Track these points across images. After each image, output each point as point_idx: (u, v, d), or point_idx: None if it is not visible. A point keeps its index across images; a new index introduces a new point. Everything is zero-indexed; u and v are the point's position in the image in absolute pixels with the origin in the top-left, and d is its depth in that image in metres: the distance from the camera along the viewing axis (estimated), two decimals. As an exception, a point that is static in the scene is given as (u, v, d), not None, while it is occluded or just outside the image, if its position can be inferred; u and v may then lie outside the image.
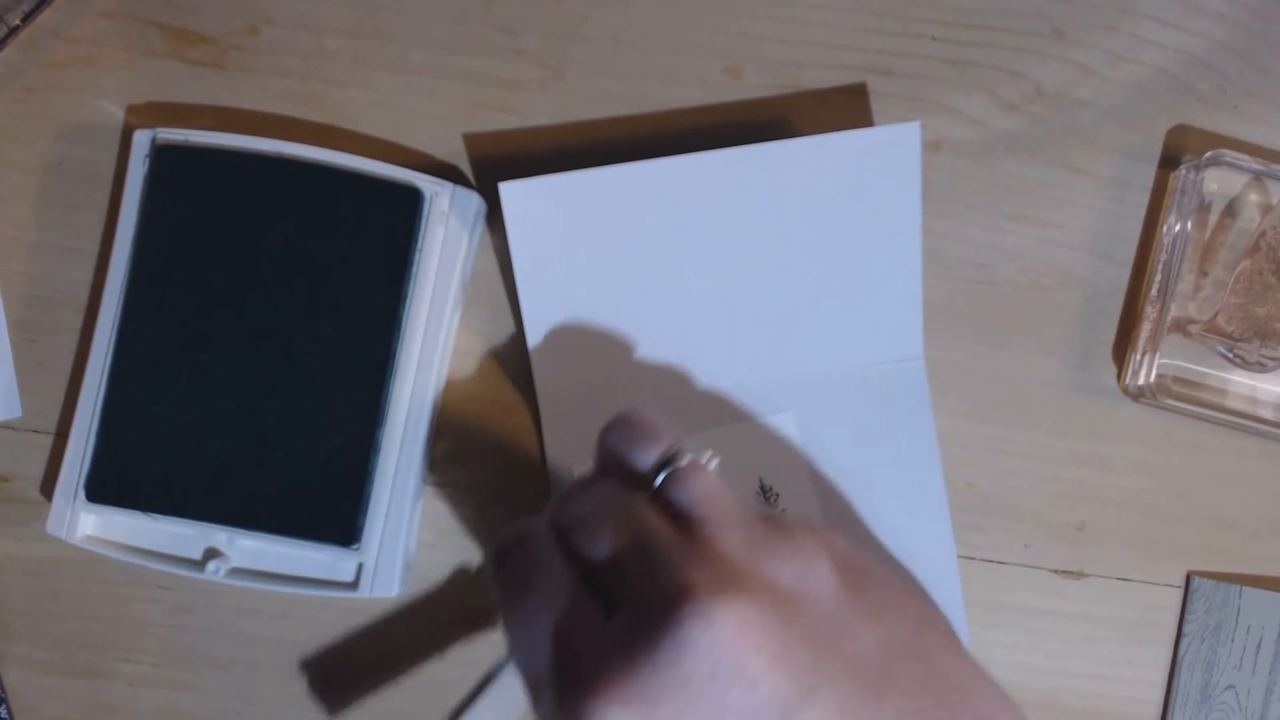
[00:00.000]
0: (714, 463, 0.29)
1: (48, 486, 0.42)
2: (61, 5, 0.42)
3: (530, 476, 0.42)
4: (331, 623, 0.42)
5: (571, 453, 0.41)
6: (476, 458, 0.42)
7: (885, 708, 0.24)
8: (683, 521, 0.27)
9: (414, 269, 0.39)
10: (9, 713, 0.42)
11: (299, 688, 0.42)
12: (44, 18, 0.42)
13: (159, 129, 0.40)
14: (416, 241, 0.39)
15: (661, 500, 0.28)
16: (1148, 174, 0.42)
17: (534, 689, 0.26)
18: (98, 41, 0.42)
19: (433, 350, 0.40)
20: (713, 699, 0.23)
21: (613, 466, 0.30)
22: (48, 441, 0.42)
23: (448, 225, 0.40)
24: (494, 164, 0.42)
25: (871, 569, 0.27)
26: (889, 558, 0.41)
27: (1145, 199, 0.42)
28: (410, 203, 0.39)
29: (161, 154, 0.39)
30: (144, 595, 0.42)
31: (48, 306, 0.42)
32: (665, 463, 0.28)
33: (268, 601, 0.42)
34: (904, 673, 0.25)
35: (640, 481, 0.29)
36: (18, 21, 0.41)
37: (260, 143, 0.39)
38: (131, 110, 0.42)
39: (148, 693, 0.42)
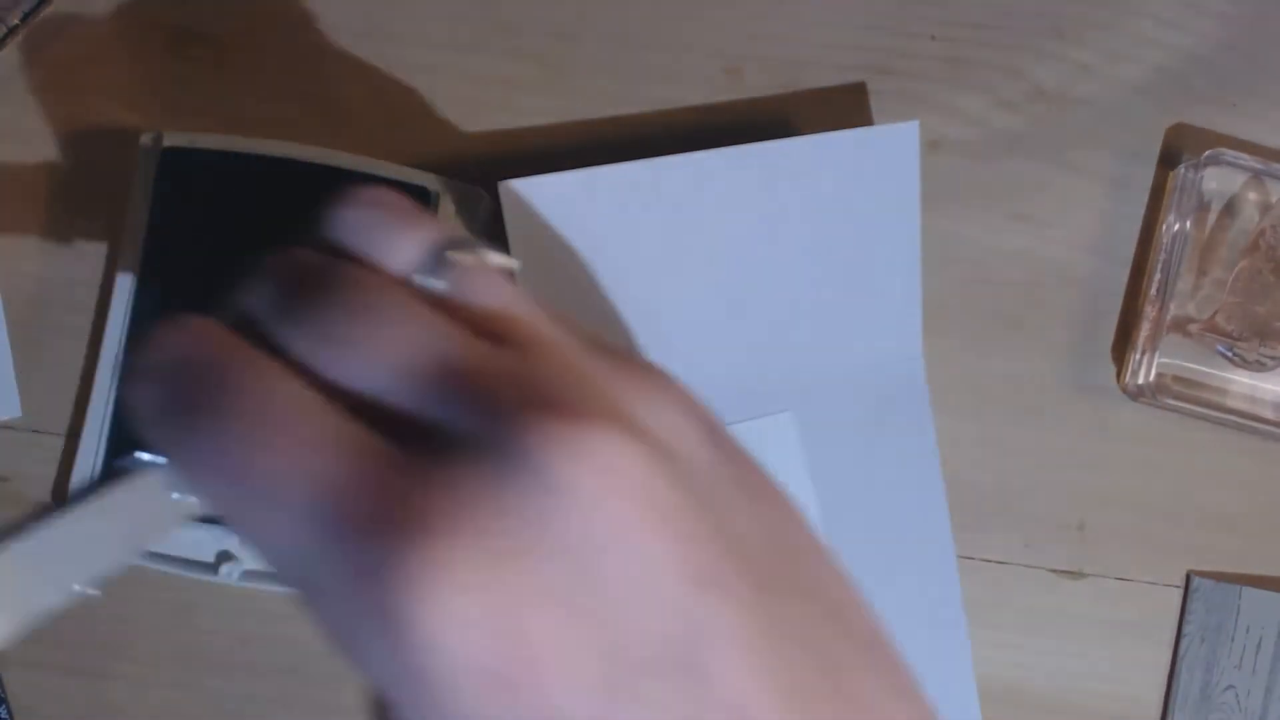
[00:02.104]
0: (504, 263, 0.21)
1: (59, 490, 0.42)
2: (62, 5, 0.42)
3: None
4: (331, 622, 0.42)
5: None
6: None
7: (787, 619, 0.18)
8: (489, 340, 0.18)
9: None
10: (9, 713, 0.42)
11: (299, 688, 0.42)
12: (44, 18, 0.42)
13: (165, 131, 0.40)
14: None
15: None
16: (1147, 173, 0.42)
17: (297, 585, 0.17)
18: (98, 41, 0.42)
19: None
20: (588, 564, 0.16)
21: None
22: (48, 441, 0.42)
23: (455, 225, 0.40)
24: (494, 163, 0.42)
25: (736, 442, 0.20)
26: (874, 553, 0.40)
27: (1144, 198, 0.42)
28: (418, 202, 0.39)
29: (169, 156, 0.39)
30: (144, 595, 0.42)
31: (47, 306, 0.42)
32: (436, 261, 0.19)
33: (268, 601, 0.42)
34: (788, 570, 0.19)
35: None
36: (17, 21, 0.41)
37: (267, 145, 0.39)
38: (132, 110, 0.42)
39: (148, 693, 0.42)
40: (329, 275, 0.19)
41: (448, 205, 0.39)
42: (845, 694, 0.19)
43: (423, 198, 0.39)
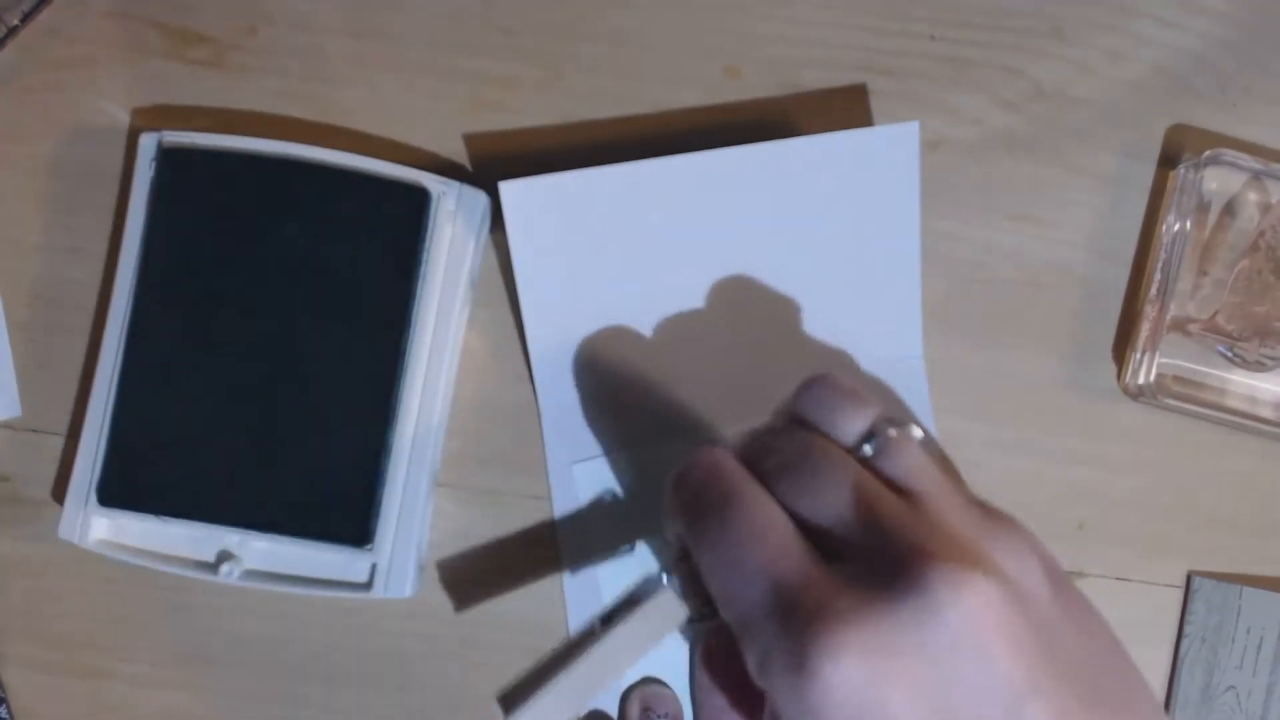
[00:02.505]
0: (920, 435, 0.28)
1: (59, 490, 0.42)
2: (61, 5, 0.42)
3: (536, 476, 0.42)
4: (332, 623, 0.42)
5: (572, 452, 0.41)
6: (486, 457, 0.42)
7: (1093, 718, 0.24)
8: (899, 494, 0.26)
9: (422, 269, 0.39)
10: (9, 713, 0.42)
11: (299, 688, 0.42)
12: (44, 18, 0.42)
13: (164, 131, 0.40)
14: (424, 241, 0.39)
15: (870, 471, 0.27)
16: (1147, 173, 0.42)
17: (742, 625, 0.25)
18: (98, 41, 0.42)
19: (442, 350, 0.40)
20: (948, 668, 0.22)
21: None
22: (47, 441, 0.42)
23: (455, 225, 0.40)
24: (494, 163, 0.42)
25: (1070, 581, 0.27)
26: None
27: (1144, 198, 0.42)
28: (418, 202, 0.39)
29: (168, 156, 0.39)
30: (144, 595, 0.42)
31: (47, 307, 0.42)
32: (872, 433, 0.27)
33: (267, 601, 0.42)
34: (1107, 689, 0.25)
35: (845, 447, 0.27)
36: (17, 21, 0.41)
37: (267, 144, 0.39)
38: (131, 110, 0.42)
39: (148, 693, 0.42)
40: (802, 442, 0.27)
41: (448, 205, 0.39)
42: None
43: (423, 198, 0.39)
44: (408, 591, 0.39)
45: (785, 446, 0.27)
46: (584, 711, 0.29)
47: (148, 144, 0.40)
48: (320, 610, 0.42)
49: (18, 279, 0.42)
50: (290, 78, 0.42)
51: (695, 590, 0.29)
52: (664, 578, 0.29)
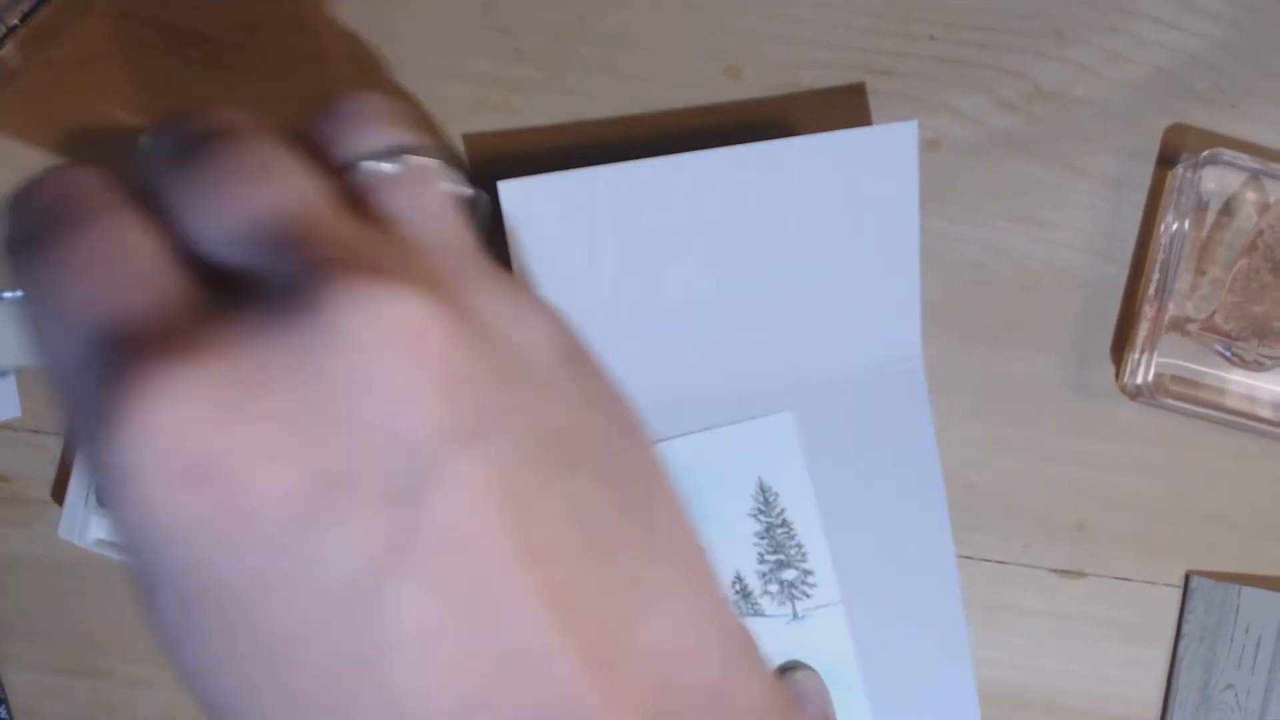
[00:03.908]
0: (467, 192, 0.22)
1: (59, 490, 0.42)
2: (61, 5, 0.42)
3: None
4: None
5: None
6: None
7: (560, 487, 0.19)
8: (378, 224, 0.19)
9: None
10: (9, 713, 0.42)
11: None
12: (44, 18, 0.42)
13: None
14: None
15: (358, 200, 0.20)
16: (1146, 173, 0.42)
17: (62, 392, 0.18)
18: (98, 41, 0.42)
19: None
20: (345, 403, 0.17)
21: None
22: (47, 441, 0.42)
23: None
24: (494, 164, 0.42)
25: (600, 365, 0.22)
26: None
27: (1143, 198, 0.42)
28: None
29: None
30: (143, 595, 0.42)
31: (47, 306, 0.42)
32: (381, 156, 0.20)
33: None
34: (599, 464, 0.20)
35: (333, 169, 0.20)
36: (17, 21, 0.41)
37: None
38: (132, 110, 0.42)
39: (148, 693, 0.42)
40: (239, 146, 0.19)
41: (448, 205, 0.39)
42: (604, 565, 0.19)
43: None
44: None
45: (215, 153, 0.20)
46: None
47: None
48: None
49: (17, 279, 0.42)
50: (290, 78, 0.42)
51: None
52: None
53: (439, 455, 0.17)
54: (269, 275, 0.17)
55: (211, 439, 0.16)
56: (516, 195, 0.39)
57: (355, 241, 0.18)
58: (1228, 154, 0.40)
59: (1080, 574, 0.42)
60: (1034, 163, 0.42)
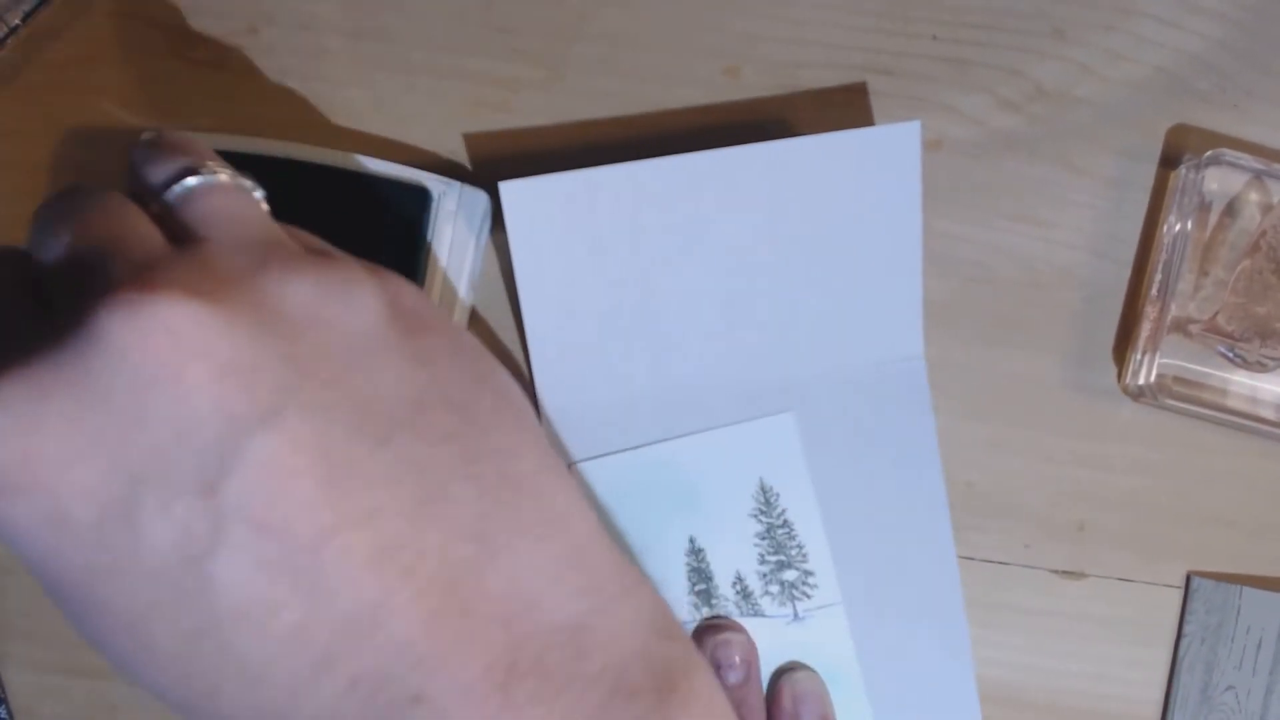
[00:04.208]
0: (258, 193, 0.25)
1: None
2: (61, 5, 0.42)
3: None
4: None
5: (572, 451, 0.41)
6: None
7: (385, 451, 0.20)
8: (184, 241, 0.22)
9: (423, 270, 0.39)
10: (9, 713, 0.42)
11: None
12: (44, 18, 0.42)
13: (165, 131, 0.40)
14: (425, 242, 0.39)
15: (170, 220, 0.23)
16: (1148, 173, 0.42)
17: None
18: (98, 41, 0.42)
19: (435, 350, 0.40)
20: (128, 406, 0.18)
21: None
22: (48, 441, 0.42)
23: (455, 225, 0.40)
24: (494, 163, 0.42)
25: (439, 322, 0.23)
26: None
27: (1145, 198, 0.42)
28: (419, 202, 0.39)
29: None
30: (144, 595, 0.42)
31: (48, 306, 0.42)
32: (183, 177, 0.23)
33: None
34: (432, 422, 0.21)
35: (150, 197, 0.24)
36: (17, 21, 0.41)
37: (267, 144, 0.39)
38: (132, 110, 0.42)
39: (148, 693, 0.42)
40: (82, 197, 0.23)
41: (448, 205, 0.39)
42: (443, 518, 0.20)
43: (424, 198, 0.39)
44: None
45: (69, 207, 0.23)
46: None
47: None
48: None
49: (18, 279, 0.42)
50: (291, 78, 0.42)
51: None
52: None
53: (234, 440, 0.19)
54: (66, 302, 0.20)
55: (10, 451, 0.18)
56: (517, 195, 0.39)
57: (149, 259, 0.20)
58: (1230, 154, 0.40)
59: (1081, 574, 0.42)
60: (1035, 163, 0.42)
